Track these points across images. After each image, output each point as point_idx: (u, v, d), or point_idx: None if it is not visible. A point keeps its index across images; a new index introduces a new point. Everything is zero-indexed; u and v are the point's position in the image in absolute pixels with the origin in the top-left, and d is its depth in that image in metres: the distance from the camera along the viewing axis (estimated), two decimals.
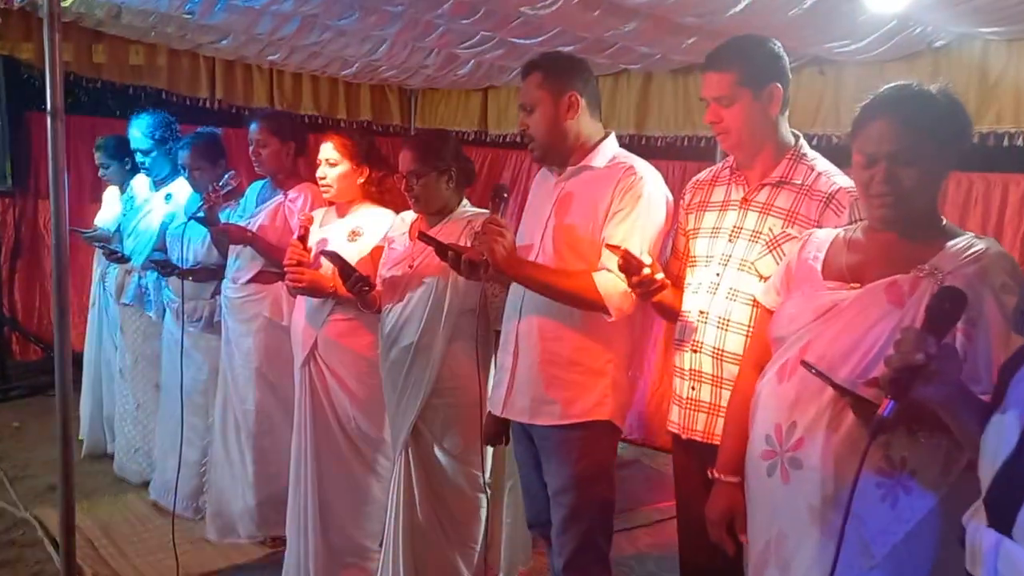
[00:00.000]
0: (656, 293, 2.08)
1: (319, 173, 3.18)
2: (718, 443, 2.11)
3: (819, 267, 1.82)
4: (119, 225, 4.35)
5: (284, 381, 3.47)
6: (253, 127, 3.57)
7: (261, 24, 4.71)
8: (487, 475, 2.84)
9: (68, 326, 2.85)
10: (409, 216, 2.98)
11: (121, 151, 4.27)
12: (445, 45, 4.82)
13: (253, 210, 3.68)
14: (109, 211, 4.65)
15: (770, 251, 2.08)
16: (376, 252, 3.10)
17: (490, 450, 2.82)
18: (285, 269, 3.07)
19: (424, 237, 2.41)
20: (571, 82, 2.36)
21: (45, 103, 2.84)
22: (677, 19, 3.62)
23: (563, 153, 2.40)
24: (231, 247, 3.62)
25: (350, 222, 3.20)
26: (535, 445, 2.47)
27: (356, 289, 2.83)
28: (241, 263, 3.59)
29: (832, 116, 4.28)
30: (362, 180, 3.21)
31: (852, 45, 3.73)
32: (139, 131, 4.05)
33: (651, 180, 2.31)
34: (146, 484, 4.19)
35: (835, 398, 1.63)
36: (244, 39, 5.18)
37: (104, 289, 4.50)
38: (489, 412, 2.60)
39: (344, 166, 3.17)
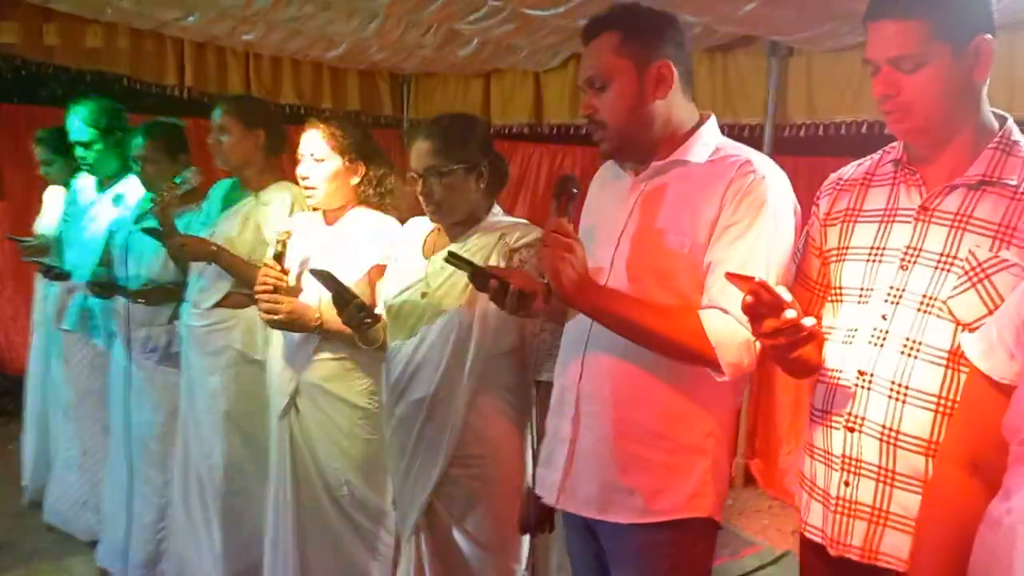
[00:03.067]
0: (801, 347, 1.40)
1: (301, 171, 2.50)
2: (886, 566, 1.45)
3: None
4: (59, 233, 3.63)
5: (259, 429, 2.78)
6: (216, 111, 2.89)
7: None
8: (524, 566, 2.17)
9: None
10: (421, 225, 2.29)
11: (67, 145, 3.54)
12: (446, 20, 4.14)
13: (217, 216, 2.98)
14: (51, 215, 3.93)
15: (973, 285, 1.41)
16: (376, 272, 2.43)
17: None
18: (257, 297, 2.39)
19: (455, 259, 1.73)
20: (661, 46, 1.69)
21: None
22: None
23: (645, 144, 1.73)
24: (192, 263, 2.93)
25: (341, 233, 2.52)
26: (597, 542, 1.80)
27: (356, 321, 2.16)
28: (204, 283, 2.89)
29: None
30: (356, 180, 2.53)
31: None
32: (79, 120, 3.33)
33: (776, 181, 1.64)
34: (96, 543, 3.49)
35: None
36: (213, 14, 4.48)
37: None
38: (530, 490, 1.93)
39: (334, 162, 2.48)
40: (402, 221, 2.54)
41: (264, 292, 2.39)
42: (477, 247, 2.11)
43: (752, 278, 1.35)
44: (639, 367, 1.65)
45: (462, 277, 2.06)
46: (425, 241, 2.25)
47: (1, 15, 4.77)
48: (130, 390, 3.12)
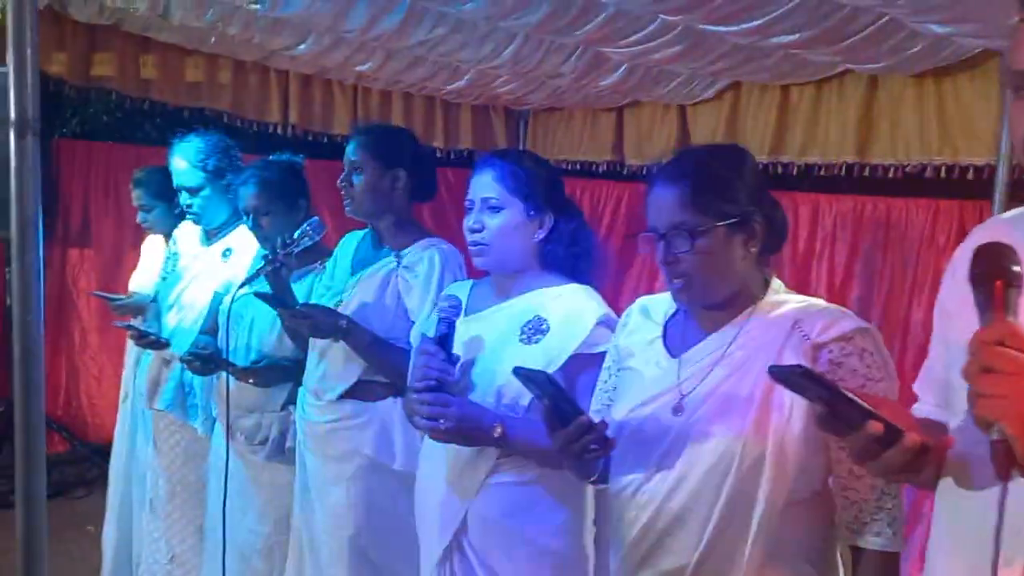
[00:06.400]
0: None
1: (470, 223, 1.86)
2: None
3: None
4: (156, 292, 3.08)
5: (396, 563, 2.14)
6: (351, 142, 2.31)
7: (353, 16, 3.48)
8: None
9: (39, 455, 1.74)
10: (658, 305, 1.61)
11: (170, 189, 3.01)
12: (600, 41, 3.51)
13: (345, 279, 2.37)
14: (149, 270, 3.41)
15: None
16: (576, 365, 1.76)
17: None
18: (415, 396, 1.74)
19: (804, 378, 1.03)
20: None
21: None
22: None
23: None
24: (312, 339, 2.32)
25: (522, 308, 1.86)
26: None
27: (579, 448, 1.46)
28: (328, 367, 2.27)
29: None
30: (541, 236, 1.87)
31: None
32: (184, 160, 2.79)
33: None
34: None
35: None
36: (328, 41, 3.98)
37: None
38: None
39: (513, 211, 1.84)
40: (602, 292, 1.88)
41: (425, 389, 1.73)
42: (757, 342, 1.42)
43: None
44: None
45: (744, 382, 1.38)
46: (665, 330, 1.56)
47: (98, 46, 4.39)
48: (231, 489, 2.51)
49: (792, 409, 1.34)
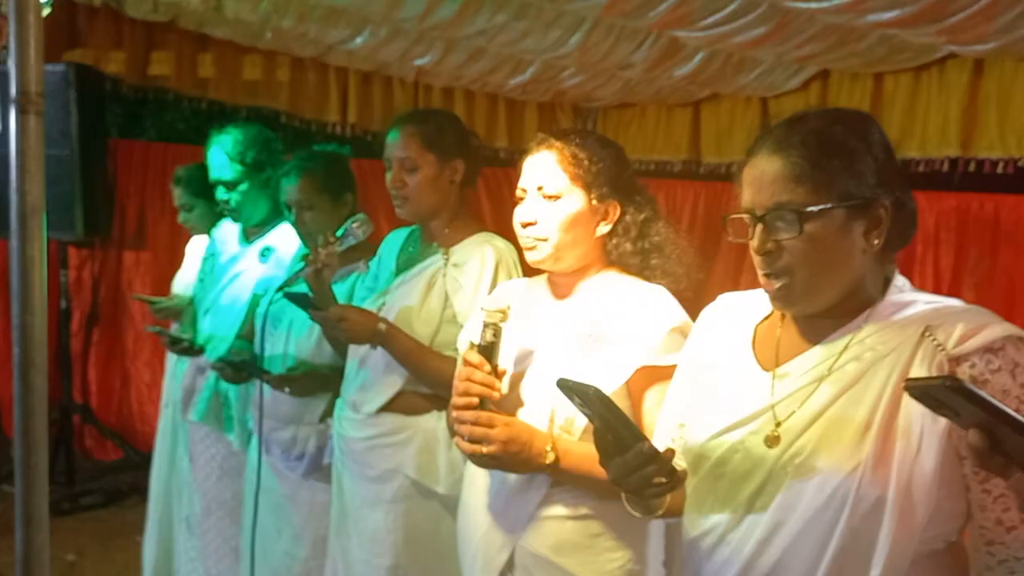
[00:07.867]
0: None
1: (523, 215, 1.61)
2: None
3: None
4: (193, 295, 2.91)
5: None
6: (393, 136, 2.06)
7: (409, 3, 3.28)
8: None
9: (41, 472, 1.44)
10: (745, 308, 1.33)
11: (212, 187, 2.84)
12: (675, 23, 3.22)
13: (389, 280, 2.14)
14: (192, 271, 3.26)
15: None
16: (643, 379, 1.49)
17: None
18: (456, 415, 1.50)
19: (958, 395, 0.76)
20: None
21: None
22: None
23: None
24: (352, 346, 2.09)
25: (582, 311, 1.60)
26: None
27: (638, 480, 1.19)
28: (367, 377, 2.05)
29: None
30: (607, 228, 1.61)
31: None
32: (221, 152, 2.60)
33: None
34: None
35: None
36: (385, 33, 3.80)
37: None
38: None
39: (575, 200, 1.58)
40: (677, 295, 1.60)
41: (466, 407, 1.48)
42: (876, 353, 1.12)
43: None
44: None
45: (859, 404, 1.10)
46: (755, 337, 1.28)
47: (156, 44, 4.31)
48: (265, 507, 2.32)
49: (923, 438, 1.05)
